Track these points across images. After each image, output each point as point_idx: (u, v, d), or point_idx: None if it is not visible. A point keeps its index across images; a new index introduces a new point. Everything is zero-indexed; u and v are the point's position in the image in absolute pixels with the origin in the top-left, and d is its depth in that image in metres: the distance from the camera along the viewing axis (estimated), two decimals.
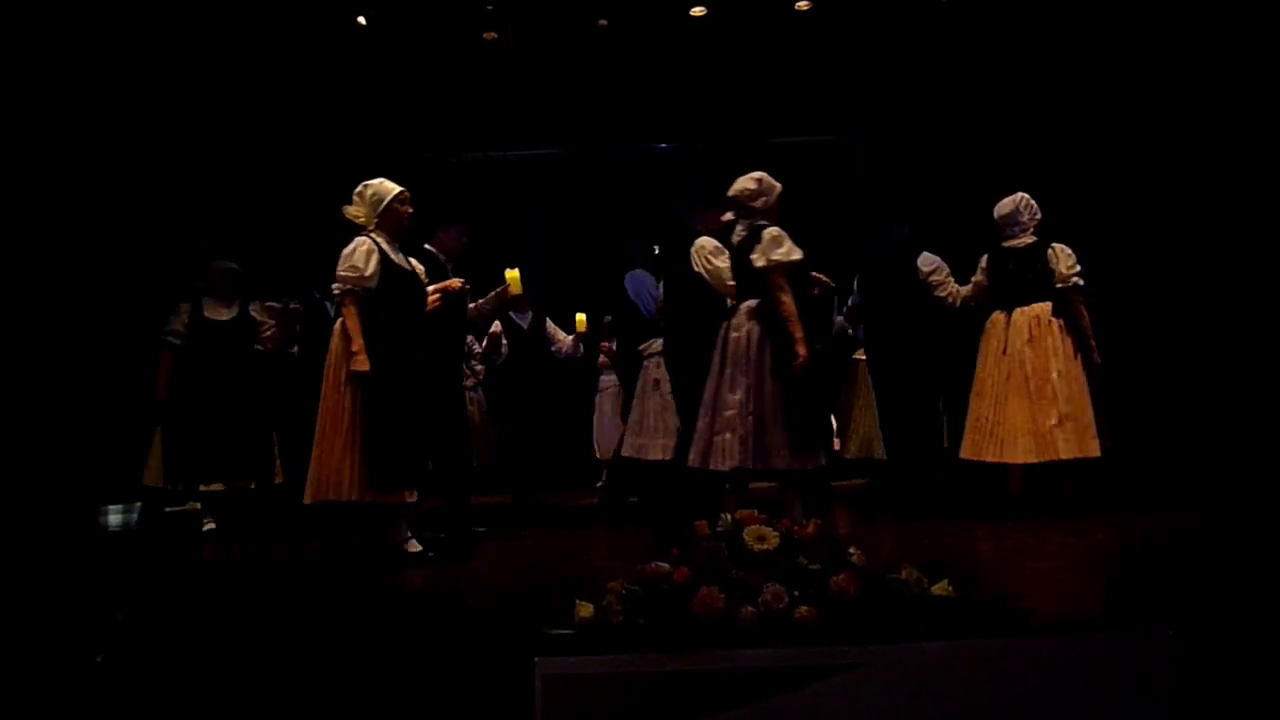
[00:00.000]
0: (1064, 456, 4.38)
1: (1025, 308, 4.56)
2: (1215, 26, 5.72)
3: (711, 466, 3.88)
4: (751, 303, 3.94)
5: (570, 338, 5.99)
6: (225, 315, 5.12)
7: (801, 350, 3.76)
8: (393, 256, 3.83)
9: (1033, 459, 4.42)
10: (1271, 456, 5.28)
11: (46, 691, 2.24)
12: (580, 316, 5.93)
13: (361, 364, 3.60)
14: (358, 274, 3.71)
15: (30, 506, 5.14)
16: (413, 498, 3.75)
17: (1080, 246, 4.70)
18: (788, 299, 3.83)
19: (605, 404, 6.51)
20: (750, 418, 3.79)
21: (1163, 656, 2.02)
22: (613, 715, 1.98)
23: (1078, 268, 4.54)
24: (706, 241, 4.31)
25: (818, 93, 7.05)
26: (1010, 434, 4.44)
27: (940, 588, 2.11)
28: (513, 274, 4.40)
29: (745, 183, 4.07)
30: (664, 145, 8.00)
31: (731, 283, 4.11)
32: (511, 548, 4.26)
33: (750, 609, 2.02)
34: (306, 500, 3.69)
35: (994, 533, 4.12)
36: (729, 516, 2.21)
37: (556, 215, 7.51)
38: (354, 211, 3.86)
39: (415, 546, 3.78)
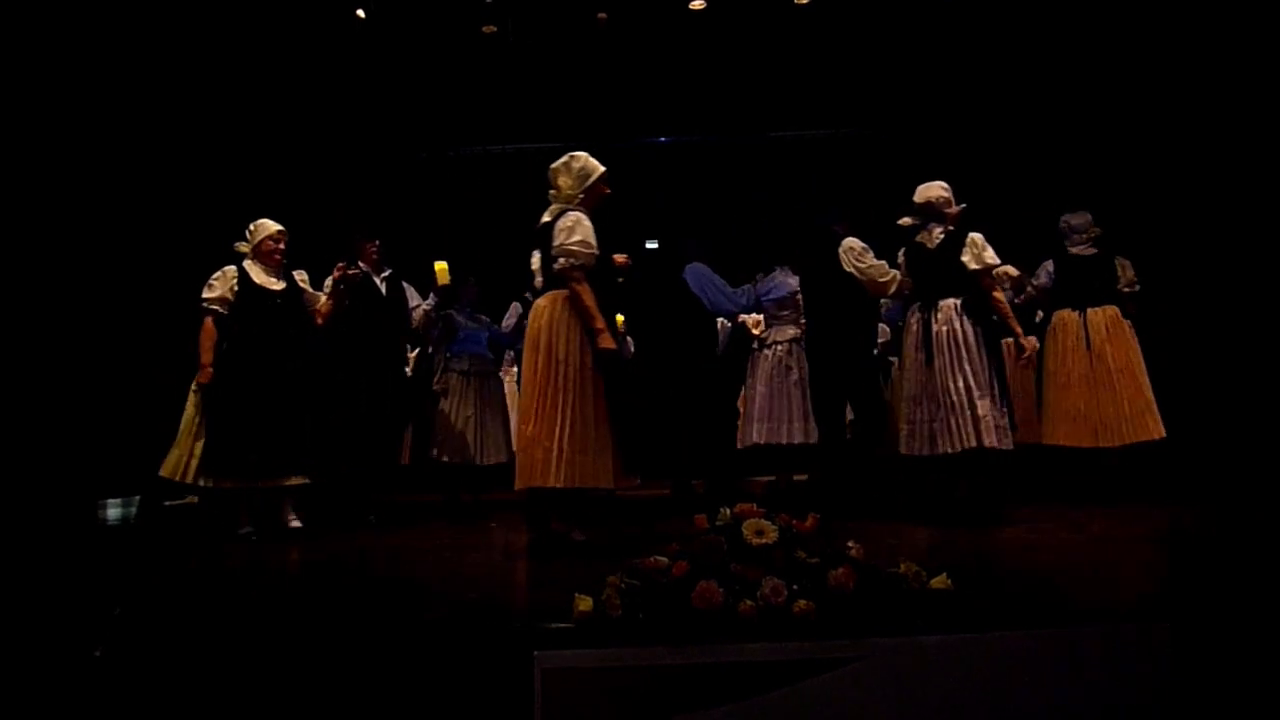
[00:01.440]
0: (1156, 437, 4.84)
1: (1097, 308, 5.01)
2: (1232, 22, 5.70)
3: (939, 450, 4.13)
4: (956, 300, 4.20)
5: None
6: (276, 284, 4.50)
7: (1026, 342, 4.25)
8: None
9: (1120, 441, 4.83)
10: (1270, 453, 5.29)
11: (45, 686, 2.23)
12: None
13: (609, 341, 3.51)
14: (590, 250, 3.58)
15: (28, 500, 5.14)
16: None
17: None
18: (1001, 296, 4.28)
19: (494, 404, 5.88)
20: (979, 403, 4.08)
21: (1162, 652, 2.02)
22: (612, 709, 1.98)
23: (1136, 277, 5.13)
24: (854, 243, 4.58)
25: (817, 87, 7.04)
26: (1105, 421, 4.86)
27: (939, 581, 2.11)
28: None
29: (937, 190, 4.34)
30: (664, 139, 8.00)
31: (884, 279, 4.46)
32: (510, 541, 4.25)
33: (749, 603, 2.02)
34: (522, 485, 3.52)
35: (994, 529, 4.11)
36: (728, 510, 2.20)
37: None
38: (562, 182, 3.76)
39: (579, 535, 3.71)
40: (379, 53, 6.61)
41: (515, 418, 4.89)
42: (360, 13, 6.30)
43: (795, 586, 2.05)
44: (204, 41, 6.01)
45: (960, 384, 4.10)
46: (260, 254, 4.50)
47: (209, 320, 4.37)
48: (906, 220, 4.42)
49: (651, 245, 8.61)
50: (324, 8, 6.26)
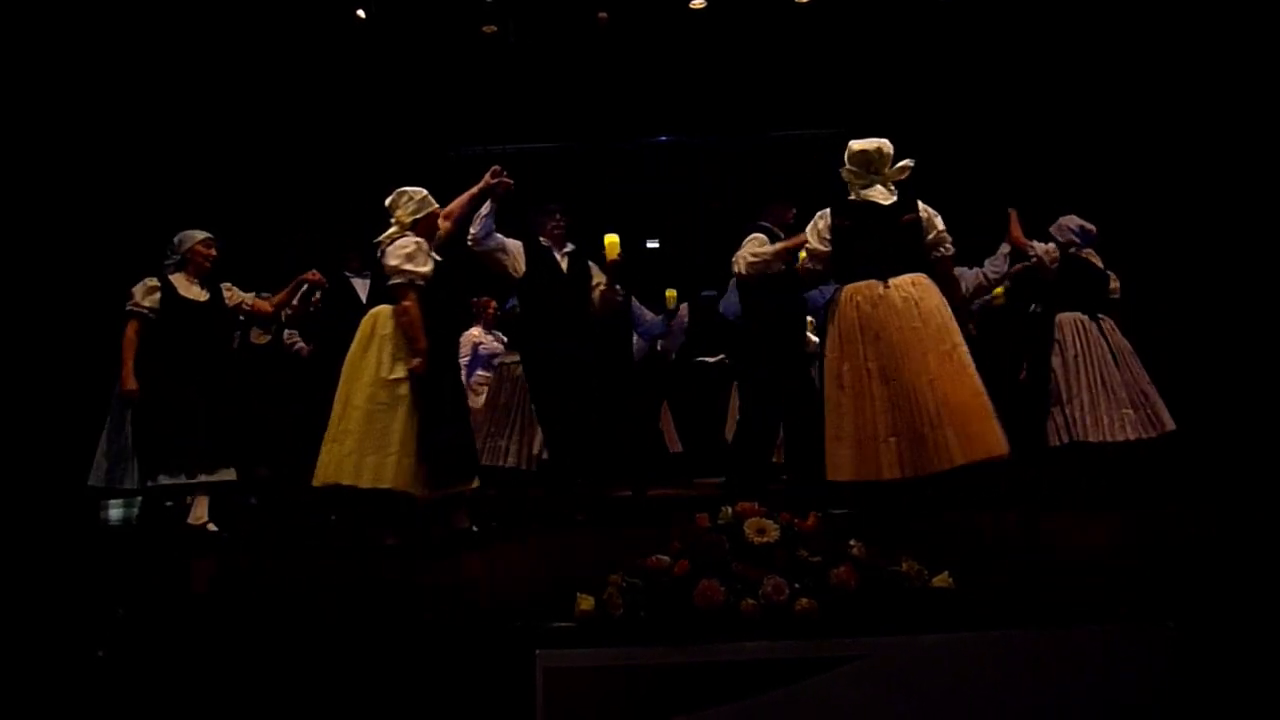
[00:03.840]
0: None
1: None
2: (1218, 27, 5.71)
3: (1110, 438, 4.63)
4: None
5: (660, 316, 5.81)
6: (198, 294, 4.42)
7: None
8: None
9: None
10: (1272, 453, 5.28)
11: (48, 687, 2.24)
12: (670, 293, 5.85)
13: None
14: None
15: (31, 501, 5.14)
16: None
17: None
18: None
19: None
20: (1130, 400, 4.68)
21: (1163, 651, 2.02)
22: (614, 708, 1.98)
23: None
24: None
25: (818, 85, 7.04)
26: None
27: (941, 579, 2.11)
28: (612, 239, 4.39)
29: (1079, 220, 4.89)
30: (664, 138, 8.01)
31: None
32: (513, 541, 4.25)
33: (751, 601, 2.02)
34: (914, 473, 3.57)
35: (993, 526, 4.11)
36: (729, 509, 2.20)
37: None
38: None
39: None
40: (379, 52, 6.62)
41: None
42: (360, 13, 6.31)
43: (797, 585, 2.05)
44: (201, 40, 6.01)
45: (1123, 382, 4.70)
46: (185, 263, 4.43)
47: (134, 321, 4.26)
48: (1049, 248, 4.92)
49: (652, 244, 8.62)
50: (324, 8, 6.27)
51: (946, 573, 2.13)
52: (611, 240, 4.51)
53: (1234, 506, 4.39)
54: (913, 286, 3.70)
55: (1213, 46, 5.82)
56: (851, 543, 2.17)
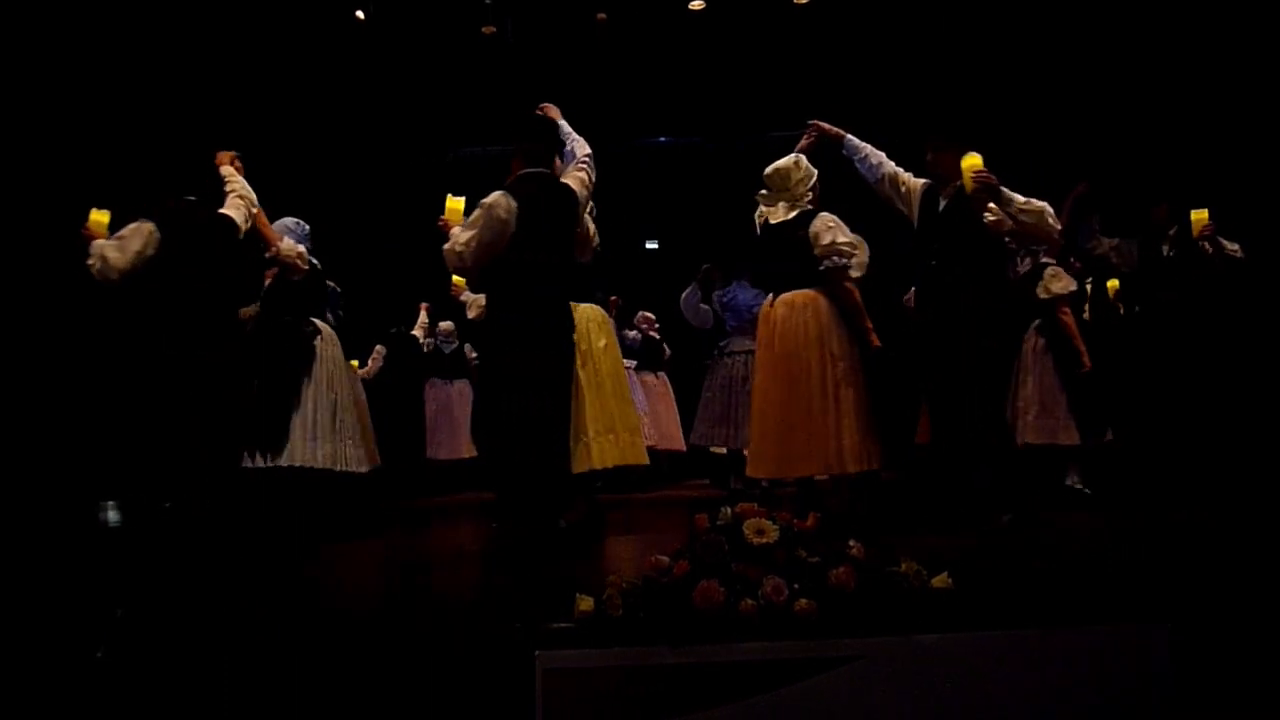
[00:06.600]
0: None
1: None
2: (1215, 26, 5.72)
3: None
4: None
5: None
6: None
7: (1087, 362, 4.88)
8: None
9: None
10: (1271, 453, 5.28)
11: (47, 688, 2.24)
12: None
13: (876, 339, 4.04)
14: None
15: (30, 502, 5.14)
16: None
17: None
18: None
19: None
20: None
21: (1161, 652, 2.03)
22: (613, 709, 1.99)
23: None
24: None
25: (816, 86, 7.05)
26: None
27: (940, 580, 2.11)
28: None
29: None
30: (663, 139, 8.02)
31: None
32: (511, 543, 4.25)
33: (750, 602, 2.02)
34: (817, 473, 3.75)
35: (993, 526, 4.11)
36: (729, 510, 2.21)
37: None
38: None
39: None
40: (378, 54, 6.62)
41: None
42: (360, 14, 6.31)
43: (796, 585, 2.05)
44: (201, 43, 6.01)
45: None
46: None
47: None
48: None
49: (651, 245, 8.63)
50: (323, 9, 6.28)
51: (945, 573, 2.13)
52: (453, 206, 4.01)
53: (1230, 506, 4.40)
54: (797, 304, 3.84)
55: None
56: (850, 543, 2.17)
